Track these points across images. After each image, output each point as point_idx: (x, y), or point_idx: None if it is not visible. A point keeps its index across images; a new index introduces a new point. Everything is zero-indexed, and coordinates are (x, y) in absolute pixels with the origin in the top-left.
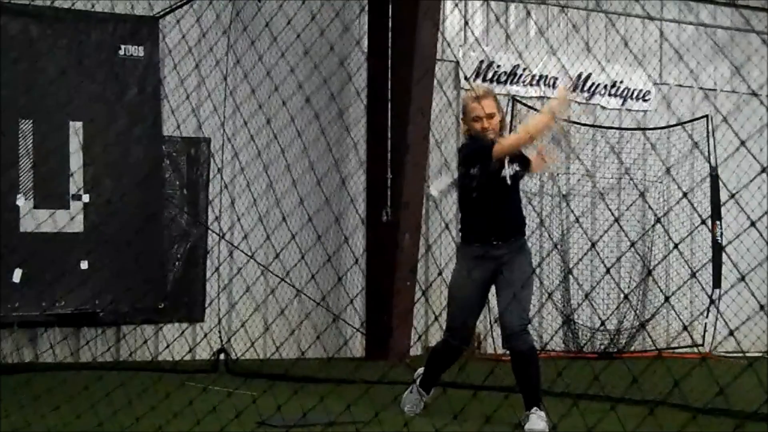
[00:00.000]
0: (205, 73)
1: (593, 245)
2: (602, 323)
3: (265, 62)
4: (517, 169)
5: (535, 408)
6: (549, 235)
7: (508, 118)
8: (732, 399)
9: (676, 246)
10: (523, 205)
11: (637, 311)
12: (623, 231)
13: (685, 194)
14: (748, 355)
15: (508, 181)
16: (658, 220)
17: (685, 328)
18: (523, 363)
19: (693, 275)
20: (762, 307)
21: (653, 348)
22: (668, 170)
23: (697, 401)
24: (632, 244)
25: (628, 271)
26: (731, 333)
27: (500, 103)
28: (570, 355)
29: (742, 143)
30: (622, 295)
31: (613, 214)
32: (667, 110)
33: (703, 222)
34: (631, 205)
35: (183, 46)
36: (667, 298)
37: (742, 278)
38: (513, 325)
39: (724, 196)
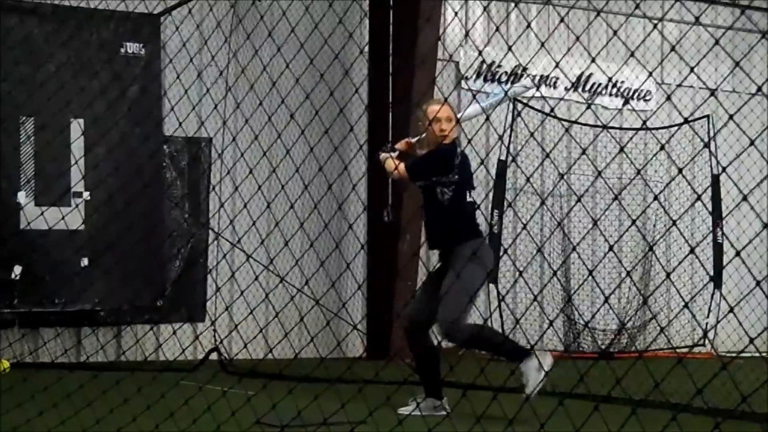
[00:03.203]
0: (207, 72)
1: (614, 251)
2: (625, 324)
3: (267, 67)
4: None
5: (524, 359)
6: (530, 236)
7: (509, 118)
8: (732, 399)
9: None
10: (478, 211)
11: (638, 311)
12: (604, 232)
13: (699, 198)
14: (746, 355)
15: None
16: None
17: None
18: (475, 346)
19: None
20: (731, 309)
21: (654, 348)
22: (678, 174)
23: (696, 401)
24: (652, 249)
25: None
26: (705, 335)
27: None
28: (570, 355)
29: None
30: (623, 294)
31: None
32: (668, 110)
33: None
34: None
35: (186, 45)
36: (687, 305)
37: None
38: (440, 328)
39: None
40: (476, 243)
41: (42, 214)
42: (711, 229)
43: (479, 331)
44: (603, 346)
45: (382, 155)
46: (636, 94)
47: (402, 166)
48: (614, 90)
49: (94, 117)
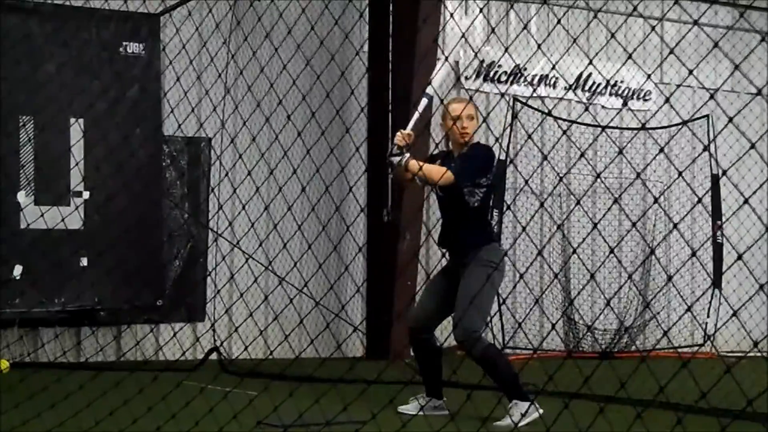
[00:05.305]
0: (206, 72)
1: (615, 253)
2: (625, 324)
3: (266, 68)
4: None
5: (515, 401)
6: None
7: (509, 117)
8: (732, 397)
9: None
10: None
11: (639, 312)
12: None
13: (700, 201)
14: (745, 354)
15: (439, 192)
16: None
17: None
18: (484, 366)
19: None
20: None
21: (653, 348)
22: (678, 177)
23: (695, 402)
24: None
25: (627, 274)
26: (710, 338)
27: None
28: (571, 355)
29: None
30: (623, 294)
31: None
32: (666, 109)
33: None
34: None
35: (185, 45)
36: (690, 307)
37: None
38: (459, 337)
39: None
40: (494, 247)
41: (42, 215)
42: (711, 229)
43: (496, 353)
44: (603, 346)
45: (399, 159)
46: (635, 93)
47: (441, 169)
48: (613, 90)
49: (94, 117)
